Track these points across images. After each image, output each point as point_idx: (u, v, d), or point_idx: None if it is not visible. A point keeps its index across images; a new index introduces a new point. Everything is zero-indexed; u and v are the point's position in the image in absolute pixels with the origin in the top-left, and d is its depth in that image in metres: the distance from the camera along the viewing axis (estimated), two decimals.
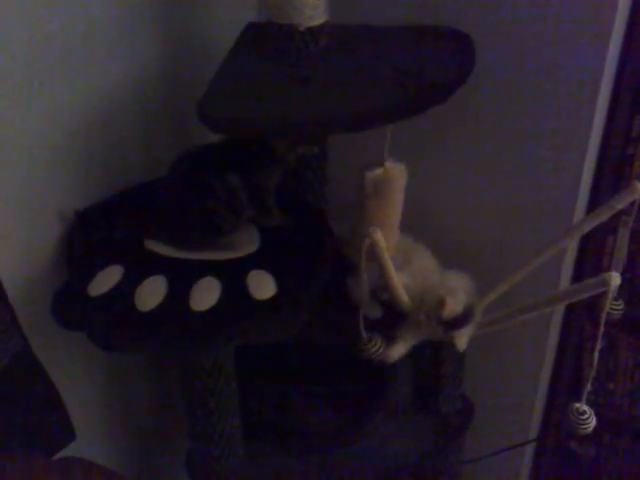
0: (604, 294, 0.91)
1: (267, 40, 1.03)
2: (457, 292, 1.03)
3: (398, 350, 1.07)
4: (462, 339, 1.08)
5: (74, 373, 1.15)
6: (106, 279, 0.97)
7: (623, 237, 1.07)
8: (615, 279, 0.89)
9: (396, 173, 1.09)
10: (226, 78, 1.00)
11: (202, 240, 1.04)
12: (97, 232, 1.05)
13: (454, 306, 1.00)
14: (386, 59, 1.03)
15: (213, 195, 1.00)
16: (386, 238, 0.97)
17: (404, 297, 1.05)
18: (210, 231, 1.03)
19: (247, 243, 1.06)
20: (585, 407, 0.98)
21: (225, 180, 1.00)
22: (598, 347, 0.94)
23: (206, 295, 0.94)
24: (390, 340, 1.07)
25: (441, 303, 1.00)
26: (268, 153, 1.03)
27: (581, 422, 0.98)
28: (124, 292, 0.95)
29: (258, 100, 0.95)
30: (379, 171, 1.08)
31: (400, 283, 1.04)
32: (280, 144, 1.02)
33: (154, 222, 1.05)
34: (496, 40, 1.16)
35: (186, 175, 1.02)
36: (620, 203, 1.03)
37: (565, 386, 1.59)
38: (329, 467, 1.20)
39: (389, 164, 1.09)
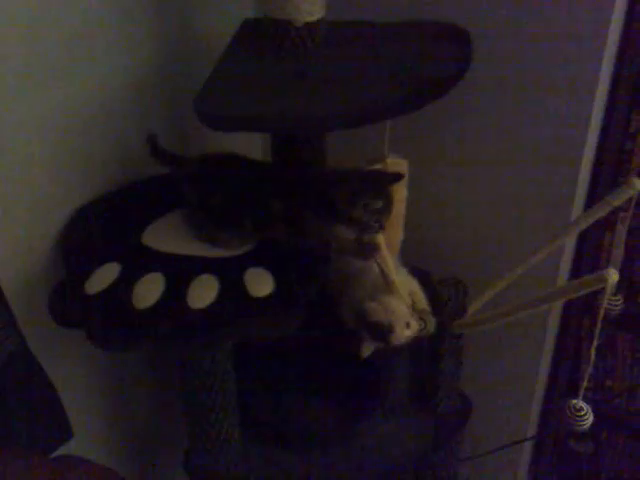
0: (602, 291, 0.91)
1: (264, 36, 1.03)
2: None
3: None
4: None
5: (71, 371, 1.15)
6: (103, 276, 0.96)
7: (620, 233, 1.07)
8: (613, 276, 0.88)
9: (397, 168, 1.06)
10: (223, 75, 1.00)
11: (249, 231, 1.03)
12: (94, 229, 1.04)
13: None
14: (383, 54, 1.02)
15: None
16: (389, 236, 0.95)
17: (403, 296, 1.04)
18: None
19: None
20: (582, 403, 0.98)
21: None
22: (595, 344, 0.94)
23: (204, 292, 0.94)
24: None
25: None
26: (328, 207, 0.97)
27: (578, 419, 0.98)
28: (121, 289, 0.95)
29: (255, 96, 0.95)
30: (379, 166, 1.06)
31: (399, 282, 1.03)
32: (342, 197, 0.95)
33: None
34: (494, 35, 1.16)
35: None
36: (617, 199, 1.02)
37: (563, 383, 1.59)
38: (327, 466, 1.20)
39: (390, 159, 1.07)
